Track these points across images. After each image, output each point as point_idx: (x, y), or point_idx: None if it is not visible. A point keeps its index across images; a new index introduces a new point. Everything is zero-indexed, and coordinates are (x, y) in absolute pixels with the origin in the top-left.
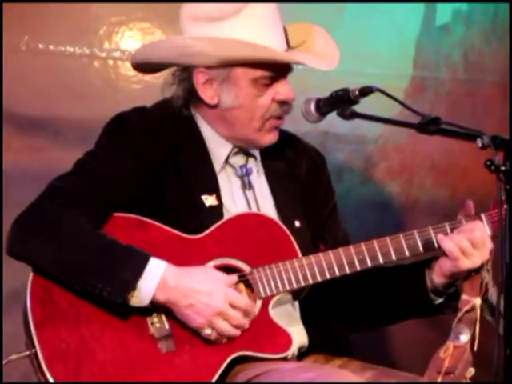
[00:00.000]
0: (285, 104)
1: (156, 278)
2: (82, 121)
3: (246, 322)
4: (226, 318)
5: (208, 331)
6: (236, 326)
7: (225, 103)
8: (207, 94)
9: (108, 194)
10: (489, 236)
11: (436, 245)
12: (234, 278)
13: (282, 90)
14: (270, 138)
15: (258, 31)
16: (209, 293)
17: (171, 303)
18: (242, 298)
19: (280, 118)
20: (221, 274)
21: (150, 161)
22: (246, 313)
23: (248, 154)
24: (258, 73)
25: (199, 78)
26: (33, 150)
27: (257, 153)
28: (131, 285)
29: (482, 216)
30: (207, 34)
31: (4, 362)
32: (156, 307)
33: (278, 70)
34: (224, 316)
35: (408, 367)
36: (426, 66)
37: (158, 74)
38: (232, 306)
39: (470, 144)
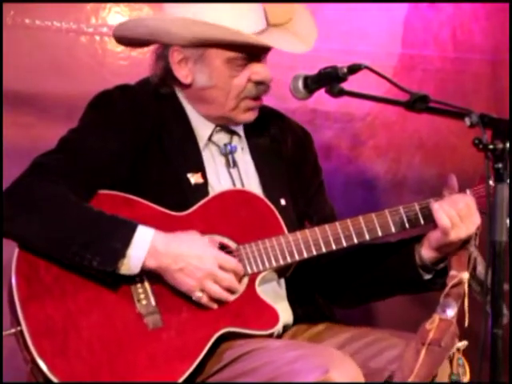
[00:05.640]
0: (261, 84)
1: (145, 245)
2: (69, 97)
3: (236, 285)
4: (216, 280)
5: (199, 294)
6: (227, 289)
7: (199, 83)
8: (181, 72)
9: (92, 170)
10: (476, 210)
11: (422, 221)
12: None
13: (258, 70)
14: (247, 117)
15: (228, 12)
16: (198, 255)
17: (162, 269)
18: (231, 260)
19: (256, 98)
20: (207, 239)
21: (134, 138)
22: (236, 274)
23: (232, 132)
24: (231, 54)
25: (174, 57)
26: (19, 126)
27: (241, 131)
28: (121, 253)
29: (468, 192)
30: (179, 13)
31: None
32: (142, 283)
33: (252, 51)
34: (214, 278)
35: None
36: (415, 44)
37: (146, 49)
38: (222, 267)
39: (459, 122)
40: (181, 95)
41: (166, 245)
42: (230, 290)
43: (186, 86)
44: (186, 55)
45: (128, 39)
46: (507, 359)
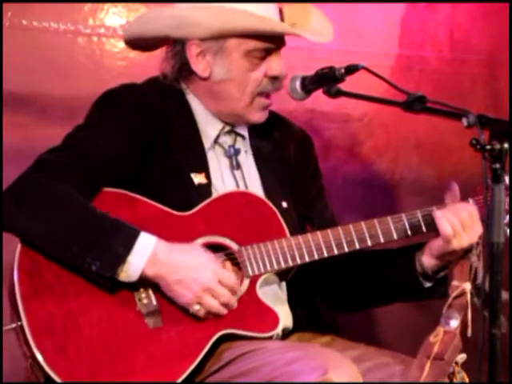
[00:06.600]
0: (276, 80)
1: (146, 253)
2: (66, 98)
3: (233, 301)
4: (214, 295)
5: (196, 307)
6: (224, 304)
7: (216, 76)
8: (199, 66)
9: (97, 168)
10: (479, 219)
11: (424, 228)
12: (221, 256)
13: (274, 65)
14: (259, 117)
15: (252, 3)
16: (197, 268)
17: (160, 278)
18: (231, 276)
19: (268, 96)
20: (208, 253)
21: (139, 136)
22: (233, 291)
23: (237, 134)
24: (252, 44)
25: (192, 50)
26: (17, 126)
27: (245, 133)
28: (121, 259)
29: (470, 201)
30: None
31: None
32: (144, 283)
33: (272, 43)
34: (212, 292)
35: (394, 349)
36: (412, 45)
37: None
38: (220, 282)
39: (456, 123)
40: (190, 93)
41: (167, 254)
42: (226, 306)
43: (201, 81)
44: (203, 48)
45: (140, 39)
46: (507, 360)
